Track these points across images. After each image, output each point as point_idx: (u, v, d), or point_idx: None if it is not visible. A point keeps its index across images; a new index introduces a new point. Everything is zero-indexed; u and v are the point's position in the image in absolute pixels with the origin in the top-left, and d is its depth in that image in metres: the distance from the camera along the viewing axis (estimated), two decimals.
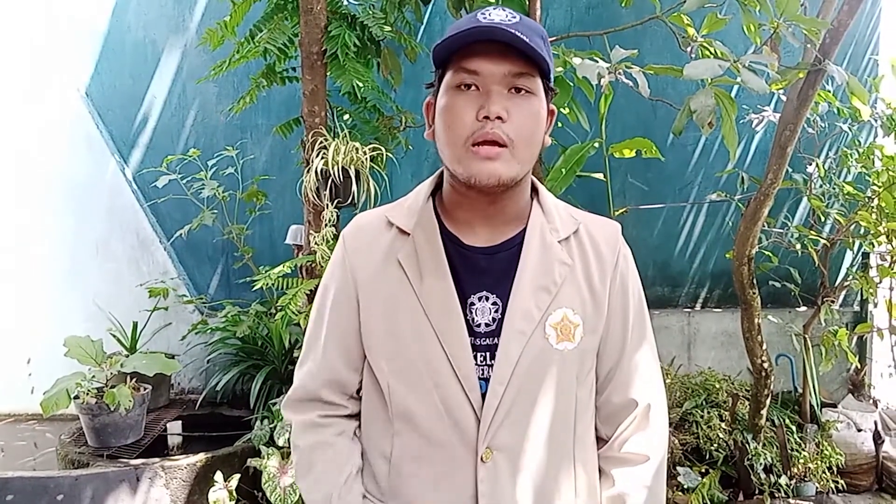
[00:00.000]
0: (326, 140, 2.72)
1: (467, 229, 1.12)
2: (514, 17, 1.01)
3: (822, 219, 3.53)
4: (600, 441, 1.19)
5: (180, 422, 3.31)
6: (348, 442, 1.16)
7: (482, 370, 1.07)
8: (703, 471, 3.08)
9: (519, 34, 0.97)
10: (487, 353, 1.08)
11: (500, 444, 1.06)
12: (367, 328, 1.13)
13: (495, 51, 0.99)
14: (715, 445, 3.12)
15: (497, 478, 1.06)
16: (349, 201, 2.76)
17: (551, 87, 1.08)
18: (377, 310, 1.12)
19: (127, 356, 3.17)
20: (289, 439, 1.29)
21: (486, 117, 1.00)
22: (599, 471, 1.18)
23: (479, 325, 1.08)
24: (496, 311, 1.08)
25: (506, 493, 1.06)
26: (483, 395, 1.06)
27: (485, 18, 1.00)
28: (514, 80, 1.01)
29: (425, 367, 1.07)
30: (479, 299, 1.09)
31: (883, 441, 3.29)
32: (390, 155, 2.99)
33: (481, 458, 1.05)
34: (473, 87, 1.01)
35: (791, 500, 3.02)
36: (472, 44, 1.00)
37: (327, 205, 2.72)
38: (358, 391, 1.19)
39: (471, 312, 1.08)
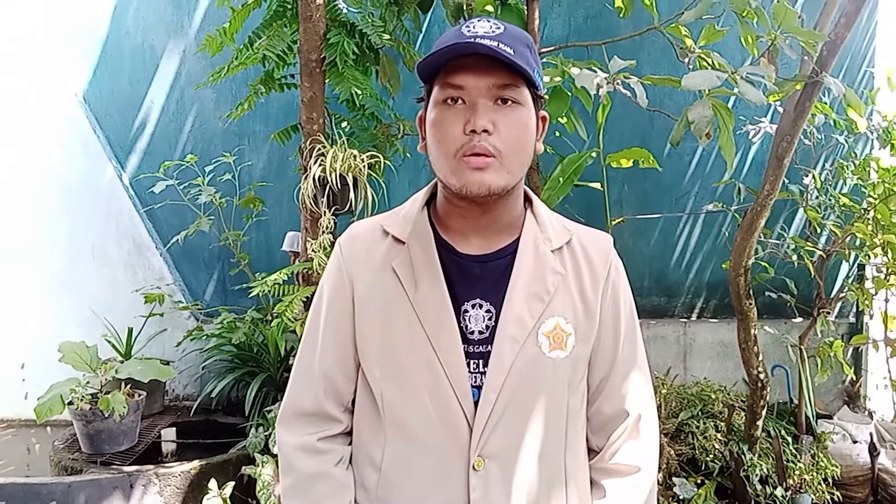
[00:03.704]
0: (324, 147, 2.72)
1: (461, 238, 1.12)
2: (499, 28, 1.02)
3: (819, 230, 3.53)
4: (591, 452, 1.20)
5: (175, 428, 3.28)
6: (344, 472, 1.16)
7: (475, 378, 1.08)
8: (699, 482, 3.07)
9: (502, 45, 0.98)
10: (480, 361, 1.08)
11: (491, 451, 1.06)
12: (361, 335, 1.13)
13: (479, 64, 1.00)
14: (711, 456, 3.11)
15: (489, 486, 1.06)
16: (346, 209, 2.76)
17: (540, 95, 1.08)
18: (372, 317, 1.12)
19: (122, 362, 3.15)
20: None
21: (473, 131, 1.00)
22: (591, 482, 1.18)
23: (472, 333, 1.09)
24: (489, 319, 1.09)
25: (498, 501, 1.06)
26: (476, 403, 1.06)
27: (469, 31, 1.01)
28: (499, 91, 1.01)
29: (419, 374, 1.08)
30: (473, 307, 1.10)
31: (878, 453, 3.29)
32: (388, 162, 2.98)
33: (473, 467, 1.06)
34: (460, 101, 1.02)
35: None
36: (456, 58, 1.00)
37: (324, 212, 2.71)
38: (352, 402, 1.19)
39: (464, 320, 1.09)
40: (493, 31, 1.01)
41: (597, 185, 2.98)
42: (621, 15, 2.97)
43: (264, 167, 3.91)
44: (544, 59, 2.76)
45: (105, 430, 2.90)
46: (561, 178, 2.80)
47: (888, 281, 3.18)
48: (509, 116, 1.02)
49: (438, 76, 1.04)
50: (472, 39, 0.99)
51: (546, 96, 1.13)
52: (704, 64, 2.51)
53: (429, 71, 1.04)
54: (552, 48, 2.86)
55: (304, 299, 2.71)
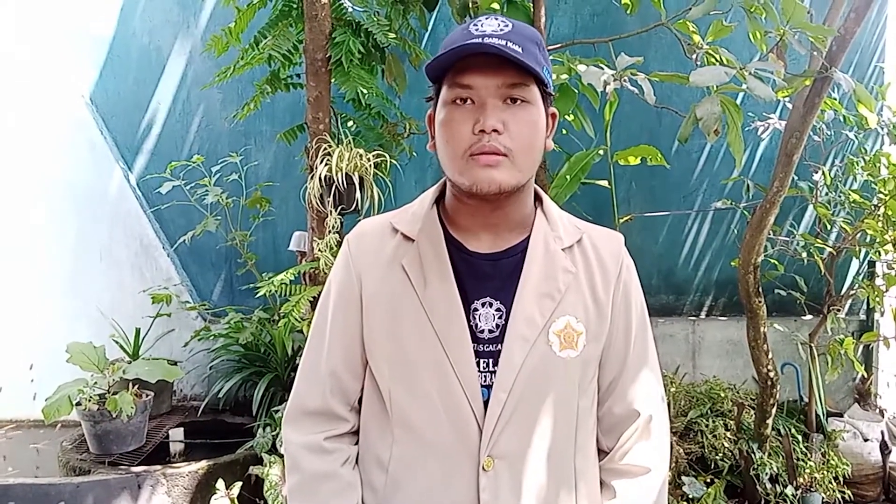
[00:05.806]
0: (330, 147, 2.72)
1: (471, 236, 1.11)
2: (507, 26, 1.01)
3: (828, 227, 3.52)
4: (601, 453, 1.19)
5: (182, 429, 3.29)
6: (351, 472, 1.15)
7: (484, 377, 1.07)
8: (709, 480, 3.05)
9: (510, 44, 0.97)
10: (490, 360, 1.07)
11: (501, 452, 1.05)
12: (369, 333, 1.12)
13: (488, 63, 0.99)
14: (720, 455, 3.10)
15: (499, 487, 1.05)
16: (353, 208, 2.75)
17: (549, 92, 1.07)
18: (380, 315, 1.11)
19: (129, 362, 3.16)
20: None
21: (483, 131, 1.00)
22: (601, 483, 1.17)
23: (482, 332, 1.08)
24: (500, 318, 1.08)
25: (507, 502, 1.05)
26: (485, 403, 1.05)
27: (477, 30, 1.01)
28: (508, 90, 1.01)
29: (427, 373, 1.07)
30: (483, 305, 1.08)
31: (890, 451, 3.26)
32: (394, 161, 2.98)
33: (483, 467, 1.04)
34: (469, 101, 1.02)
35: None
36: (465, 58, 1.00)
37: (331, 211, 2.71)
38: (359, 401, 1.18)
39: (474, 318, 1.08)
40: (501, 30, 1.00)
41: (604, 183, 2.97)
42: (628, 12, 2.96)
43: (271, 167, 3.91)
44: (551, 57, 2.75)
45: (113, 431, 2.91)
46: (568, 176, 2.78)
47: None
48: (519, 115, 1.02)
49: (447, 76, 1.03)
50: (481, 39, 0.98)
51: (553, 94, 1.12)
52: (712, 60, 2.49)
53: (437, 71, 1.04)
54: (559, 45, 2.85)
55: (311, 299, 2.71)
